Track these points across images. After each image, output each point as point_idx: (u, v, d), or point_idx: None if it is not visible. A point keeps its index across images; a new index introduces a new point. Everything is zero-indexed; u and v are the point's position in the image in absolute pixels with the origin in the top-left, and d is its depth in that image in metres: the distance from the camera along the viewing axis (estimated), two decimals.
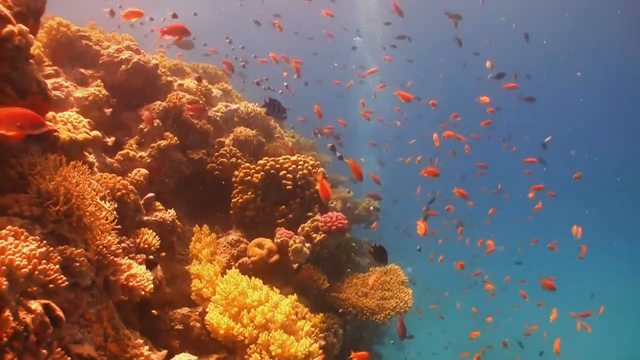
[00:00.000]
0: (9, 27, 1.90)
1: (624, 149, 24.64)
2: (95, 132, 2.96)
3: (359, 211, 6.98)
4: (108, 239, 2.00)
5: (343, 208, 5.83)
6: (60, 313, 1.47)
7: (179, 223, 3.47)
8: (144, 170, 3.64)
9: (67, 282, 1.44)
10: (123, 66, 4.04)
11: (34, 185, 1.90)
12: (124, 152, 3.72)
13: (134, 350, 1.96)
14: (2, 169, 2.00)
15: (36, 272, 1.17)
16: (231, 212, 3.99)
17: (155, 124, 3.92)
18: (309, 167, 4.03)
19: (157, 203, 3.46)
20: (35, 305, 1.41)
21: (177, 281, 3.39)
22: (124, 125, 4.03)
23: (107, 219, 2.11)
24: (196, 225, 3.59)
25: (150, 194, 3.39)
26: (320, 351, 2.72)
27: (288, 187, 3.92)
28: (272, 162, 3.97)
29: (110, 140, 3.58)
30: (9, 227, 1.26)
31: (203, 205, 4.27)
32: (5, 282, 1.08)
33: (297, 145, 7.07)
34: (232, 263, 3.59)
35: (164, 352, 2.35)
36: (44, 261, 1.25)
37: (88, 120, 3.15)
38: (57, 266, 1.37)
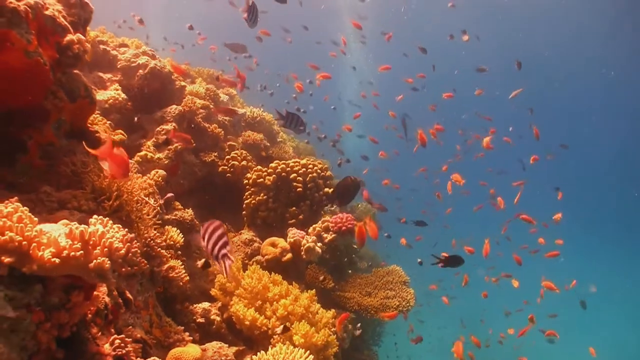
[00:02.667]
0: (69, 37, 2.07)
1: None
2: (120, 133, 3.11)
3: (356, 214, 7.17)
4: (154, 232, 2.16)
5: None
6: (129, 296, 1.64)
7: (197, 222, 3.63)
8: (162, 172, 3.80)
9: (148, 266, 1.60)
10: (140, 71, 4.20)
11: (89, 181, 2.06)
12: (142, 153, 3.87)
13: (176, 336, 2.12)
14: (57, 166, 2.15)
15: (129, 254, 1.34)
16: (244, 212, 4.16)
17: (171, 127, 4.08)
18: (318, 171, 4.22)
19: (177, 203, 3.62)
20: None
21: (194, 277, 3.54)
22: (140, 128, 4.18)
23: (149, 215, 2.28)
24: None
25: (170, 194, 3.55)
26: (337, 342, 2.90)
27: (298, 189, 4.10)
28: (283, 165, 4.16)
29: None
30: (95, 216, 1.42)
31: (214, 206, 4.43)
32: (108, 262, 1.25)
33: (297, 150, 7.25)
34: (247, 261, 3.75)
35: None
36: (134, 245, 1.41)
37: (109, 122, 3.32)
38: (138, 251, 1.54)
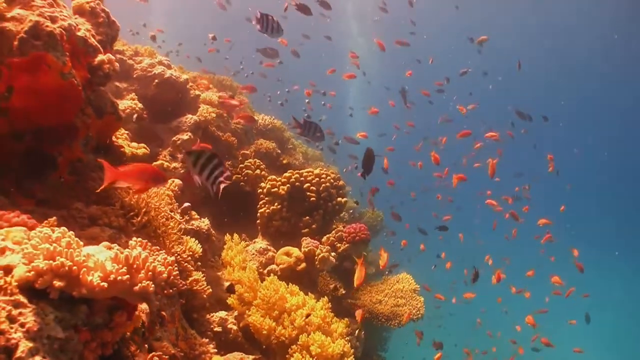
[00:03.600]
0: (100, 57, 2.13)
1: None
2: (143, 146, 3.17)
3: (364, 221, 7.23)
4: (180, 247, 2.22)
5: (349, 218, 6.10)
6: (164, 313, 1.69)
7: (213, 232, 3.69)
8: (178, 181, 3.86)
9: (186, 286, 1.66)
10: (156, 80, 4.26)
11: (118, 198, 2.12)
12: (158, 162, 3.93)
13: (201, 348, 2.17)
14: (85, 182, 2.21)
15: (171, 277, 1.40)
16: (258, 221, 4.22)
17: (187, 137, 4.14)
18: (331, 180, 4.27)
19: (193, 212, 3.68)
20: (144, 305, 1.63)
21: (211, 286, 3.60)
22: (156, 137, 4.24)
23: (174, 229, 2.33)
24: (227, 234, 3.80)
25: (187, 204, 3.61)
26: (352, 351, 2.95)
27: (312, 199, 4.15)
28: (297, 175, 4.21)
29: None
30: (134, 238, 1.48)
31: (227, 214, 4.48)
32: (152, 285, 1.30)
33: (305, 156, 7.31)
34: (261, 270, 3.81)
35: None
36: (175, 268, 1.47)
37: (127, 132, 3.38)
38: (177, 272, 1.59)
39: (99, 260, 1.31)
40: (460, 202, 11.74)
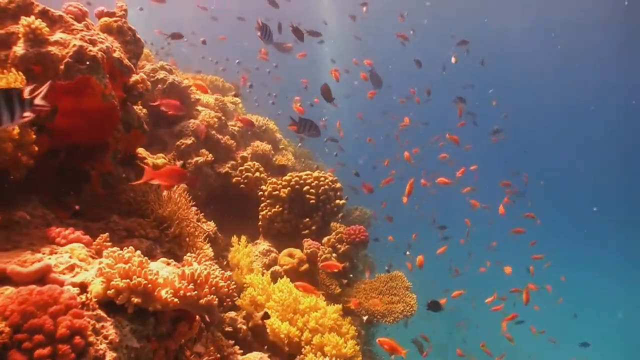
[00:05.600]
0: (135, 77, 2.24)
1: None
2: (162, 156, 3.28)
3: (353, 218, 7.44)
4: (204, 253, 2.36)
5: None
6: (208, 319, 1.85)
7: (220, 235, 3.83)
8: (183, 185, 3.96)
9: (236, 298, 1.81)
10: (159, 85, 4.34)
11: (152, 210, 2.25)
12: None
13: (229, 349, 2.32)
14: (118, 194, 2.33)
15: (230, 290, 1.55)
16: (259, 223, 4.36)
17: (190, 141, 4.25)
18: (329, 183, 4.45)
19: (201, 214, 3.81)
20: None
21: None
22: (159, 141, 4.33)
23: (199, 238, 2.48)
24: (234, 236, 3.93)
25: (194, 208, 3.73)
26: (360, 351, 3.15)
27: (311, 201, 4.32)
28: (297, 178, 4.37)
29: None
30: (189, 253, 1.63)
31: (228, 216, 4.61)
32: (216, 299, 1.46)
33: (295, 155, 7.46)
34: (264, 271, 3.97)
35: None
36: (232, 282, 1.62)
37: None
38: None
39: (169, 277, 1.46)
40: (445, 199, 12.08)
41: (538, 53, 21.37)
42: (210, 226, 3.79)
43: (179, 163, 4.24)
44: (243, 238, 3.90)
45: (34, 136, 1.78)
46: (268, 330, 3.04)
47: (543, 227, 9.17)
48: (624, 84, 20.55)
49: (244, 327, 3.43)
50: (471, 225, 8.22)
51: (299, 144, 7.93)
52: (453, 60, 7.51)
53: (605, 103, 22.71)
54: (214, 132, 4.70)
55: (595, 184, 25.66)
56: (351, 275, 5.05)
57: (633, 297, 17.90)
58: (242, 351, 2.42)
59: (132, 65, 2.26)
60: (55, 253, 1.60)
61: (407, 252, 7.80)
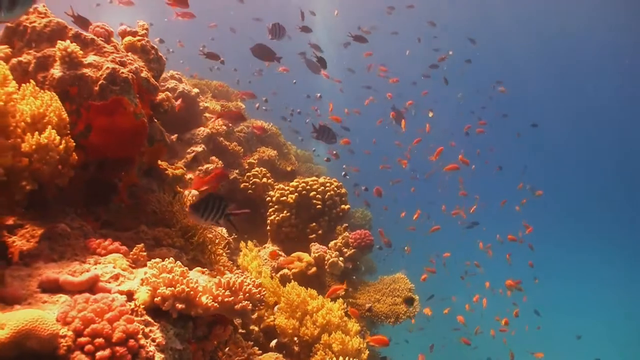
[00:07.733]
0: (161, 95, 2.39)
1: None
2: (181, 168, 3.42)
3: (354, 220, 7.60)
4: (224, 259, 2.51)
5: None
6: (235, 323, 2.00)
7: (231, 239, 3.98)
8: (195, 192, 4.11)
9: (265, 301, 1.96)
10: (169, 94, 4.47)
11: (177, 220, 2.39)
12: None
13: (249, 350, 2.48)
14: (143, 205, 2.48)
15: (261, 296, 1.70)
16: (268, 228, 4.52)
17: (200, 149, 4.39)
18: (335, 189, 4.61)
19: None
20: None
21: None
22: (169, 149, 4.46)
23: (220, 245, 2.62)
24: (242, 241, 4.08)
25: None
26: (366, 346, 3.32)
27: (318, 206, 4.48)
28: (304, 184, 4.52)
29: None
30: (222, 261, 1.78)
31: (236, 221, 4.76)
32: (250, 305, 1.61)
33: (297, 157, 7.63)
34: (273, 274, 4.12)
35: None
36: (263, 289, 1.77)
37: None
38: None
39: (207, 285, 1.61)
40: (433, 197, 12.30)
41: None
42: (223, 231, 3.93)
43: (212, 167, 4.40)
44: (250, 242, 4.05)
45: (73, 143, 1.89)
46: (277, 330, 3.19)
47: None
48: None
49: (256, 328, 3.59)
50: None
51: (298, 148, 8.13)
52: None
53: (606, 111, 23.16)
54: (221, 138, 4.85)
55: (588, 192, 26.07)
56: (354, 277, 5.23)
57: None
58: (260, 352, 2.57)
59: (157, 84, 2.41)
60: (99, 263, 1.75)
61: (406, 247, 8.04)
